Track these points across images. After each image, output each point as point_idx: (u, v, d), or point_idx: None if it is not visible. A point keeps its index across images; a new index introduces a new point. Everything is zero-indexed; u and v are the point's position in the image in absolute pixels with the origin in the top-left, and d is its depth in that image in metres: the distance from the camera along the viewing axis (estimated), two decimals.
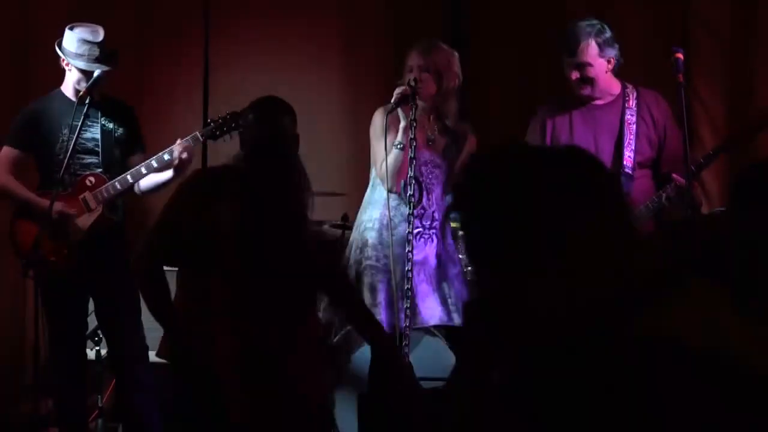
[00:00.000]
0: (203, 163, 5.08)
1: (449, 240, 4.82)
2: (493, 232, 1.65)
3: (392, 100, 4.56)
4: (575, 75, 4.47)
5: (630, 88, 4.54)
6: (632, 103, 4.50)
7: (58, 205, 4.60)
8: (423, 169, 4.71)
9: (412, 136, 4.48)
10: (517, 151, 1.74)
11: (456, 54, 4.76)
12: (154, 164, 4.72)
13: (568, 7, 6.32)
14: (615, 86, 4.55)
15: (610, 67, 4.50)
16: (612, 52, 4.48)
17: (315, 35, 6.54)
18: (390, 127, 4.61)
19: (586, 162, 1.73)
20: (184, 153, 4.66)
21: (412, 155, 4.51)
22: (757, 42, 5.58)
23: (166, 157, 4.70)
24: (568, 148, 1.77)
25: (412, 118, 4.45)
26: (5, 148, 4.83)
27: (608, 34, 4.47)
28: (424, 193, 4.72)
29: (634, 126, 4.46)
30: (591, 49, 4.43)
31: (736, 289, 1.77)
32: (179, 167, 4.67)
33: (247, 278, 3.42)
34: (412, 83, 4.54)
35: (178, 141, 4.70)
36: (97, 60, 4.71)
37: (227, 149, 5.04)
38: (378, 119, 4.73)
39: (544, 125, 4.60)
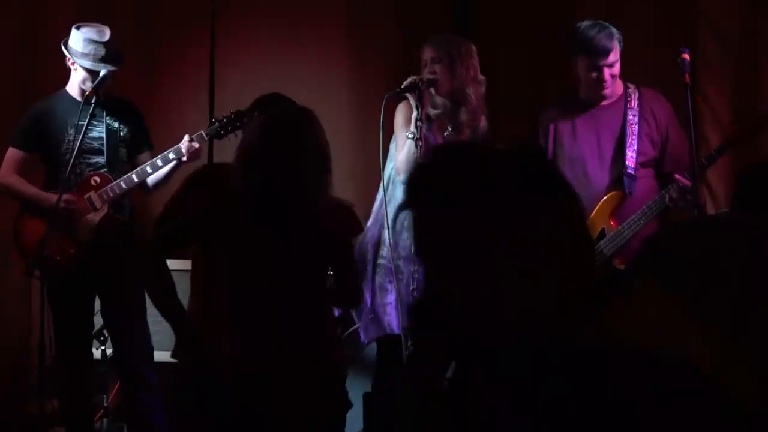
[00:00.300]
0: (209, 161, 5.08)
1: None
2: (439, 229, 1.63)
3: (402, 85, 4.49)
4: (608, 74, 4.46)
5: (632, 89, 4.55)
6: (634, 103, 4.50)
7: (65, 197, 4.60)
8: None
9: (426, 128, 4.46)
10: (469, 149, 1.72)
11: (473, 47, 4.68)
12: (159, 163, 4.73)
13: (577, 5, 6.32)
14: (619, 87, 4.57)
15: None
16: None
17: (322, 34, 6.53)
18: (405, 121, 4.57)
19: (537, 162, 1.71)
20: (195, 143, 4.69)
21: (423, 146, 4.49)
22: (765, 42, 5.58)
23: (172, 155, 4.70)
24: (522, 147, 1.75)
25: (417, 116, 4.41)
26: (11, 149, 4.83)
27: (620, 33, 4.51)
28: None
29: (636, 126, 4.46)
30: (618, 48, 4.46)
31: (697, 291, 1.77)
32: (190, 158, 4.70)
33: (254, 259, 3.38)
34: (426, 79, 4.49)
35: (186, 136, 4.72)
36: (103, 60, 4.72)
37: (233, 148, 5.06)
38: (397, 112, 4.65)
39: (547, 128, 4.60)
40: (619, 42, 4.47)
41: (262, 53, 6.37)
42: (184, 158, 4.69)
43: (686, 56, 4.36)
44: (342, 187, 5.59)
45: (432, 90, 4.57)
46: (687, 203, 4.29)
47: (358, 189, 5.80)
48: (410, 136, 4.52)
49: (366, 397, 4.72)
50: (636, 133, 4.45)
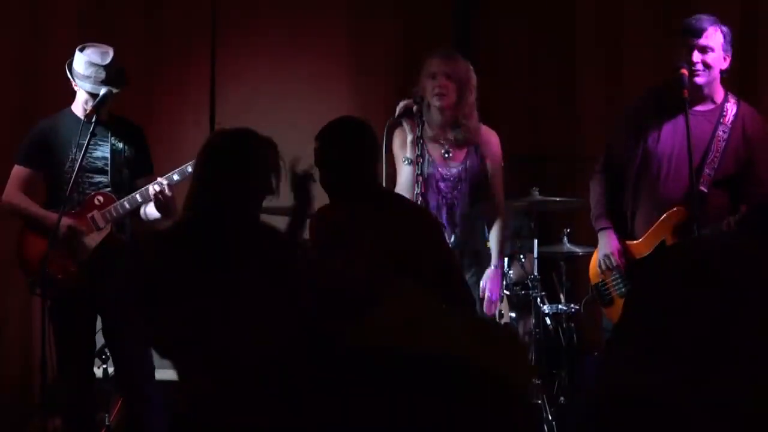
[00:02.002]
0: None
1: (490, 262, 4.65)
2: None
3: (396, 113, 4.55)
4: (697, 57, 4.34)
5: (731, 102, 4.41)
6: (729, 118, 4.37)
7: (66, 221, 4.61)
8: (441, 185, 4.64)
9: (419, 153, 4.47)
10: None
11: (471, 67, 4.68)
12: (164, 182, 4.72)
13: (578, 20, 6.35)
14: (719, 93, 4.43)
15: (725, 65, 4.39)
16: (730, 52, 4.38)
17: (322, 50, 6.55)
18: (402, 143, 4.59)
19: None
20: (167, 191, 4.63)
21: (419, 172, 4.50)
22: (764, 53, 5.59)
23: (176, 177, 4.70)
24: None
25: (419, 135, 4.44)
26: (16, 167, 4.84)
27: (730, 37, 4.39)
28: (444, 210, 4.62)
29: (724, 144, 4.33)
30: (717, 36, 4.35)
31: None
32: (162, 208, 4.65)
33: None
34: (419, 100, 4.53)
35: (158, 179, 4.67)
36: (103, 82, 4.73)
37: None
38: (394, 138, 4.66)
39: (635, 117, 4.48)
40: (723, 34, 4.33)
41: (262, 69, 6.40)
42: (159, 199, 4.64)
43: (684, 72, 4.33)
44: None
45: (428, 106, 4.56)
46: None
47: None
48: (405, 162, 4.57)
49: None
50: (721, 150, 4.33)
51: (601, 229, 4.48)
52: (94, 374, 4.96)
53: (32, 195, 4.86)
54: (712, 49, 4.35)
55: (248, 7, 6.45)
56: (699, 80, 4.36)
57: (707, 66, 4.35)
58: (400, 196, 4.24)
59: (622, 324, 2.07)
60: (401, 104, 4.57)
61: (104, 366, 5.14)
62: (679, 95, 4.30)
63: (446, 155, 4.65)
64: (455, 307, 3.34)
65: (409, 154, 4.56)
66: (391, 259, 3.35)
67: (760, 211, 2.32)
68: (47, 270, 4.57)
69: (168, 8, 6.34)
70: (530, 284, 5.60)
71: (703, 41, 4.34)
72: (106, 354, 5.09)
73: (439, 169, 4.63)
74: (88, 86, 4.73)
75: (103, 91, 4.70)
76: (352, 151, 3.60)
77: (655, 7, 6.04)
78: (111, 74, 4.73)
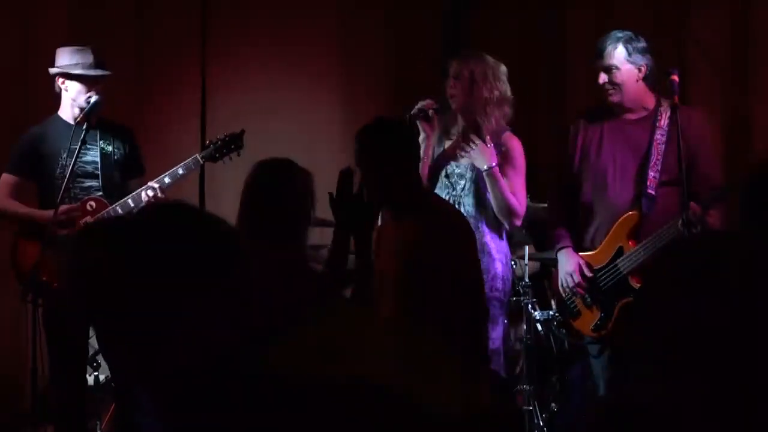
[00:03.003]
0: (200, 185, 5.09)
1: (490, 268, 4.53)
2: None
3: (411, 111, 4.51)
4: (602, 78, 4.42)
5: (665, 106, 4.46)
6: (664, 122, 4.43)
7: (63, 208, 4.61)
8: (451, 180, 4.58)
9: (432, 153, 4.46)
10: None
11: (501, 67, 4.62)
12: (155, 186, 4.72)
13: (568, 26, 6.37)
14: (649, 100, 4.49)
15: (641, 75, 4.43)
16: (642, 60, 4.42)
17: (313, 58, 6.56)
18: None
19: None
20: (159, 195, 4.65)
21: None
22: (754, 61, 5.62)
23: (167, 180, 4.70)
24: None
25: (423, 139, 4.43)
26: (4, 175, 4.84)
27: (641, 43, 4.43)
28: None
29: (663, 146, 4.40)
30: (618, 53, 4.40)
31: None
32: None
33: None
34: (431, 113, 4.50)
35: (150, 183, 4.69)
36: (92, 66, 4.76)
37: (223, 173, 5.08)
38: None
39: (577, 135, 4.55)
40: (632, 50, 4.39)
41: (253, 76, 6.40)
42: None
43: (675, 78, 4.35)
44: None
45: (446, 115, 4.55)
46: (702, 229, 4.27)
47: None
48: None
49: None
50: (662, 152, 4.39)
51: (560, 248, 4.51)
52: (86, 381, 4.95)
53: (23, 202, 4.85)
54: (616, 67, 4.40)
55: (239, 13, 6.45)
56: (613, 99, 4.45)
57: (615, 84, 4.42)
58: (439, 200, 4.16)
59: (632, 333, 2.07)
60: (418, 104, 4.53)
61: (96, 373, 5.13)
62: (670, 101, 4.35)
63: (462, 154, 4.55)
64: (415, 328, 3.29)
65: (421, 153, 4.47)
66: (410, 269, 3.35)
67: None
68: (42, 278, 4.57)
69: (159, 15, 6.34)
70: (522, 290, 5.60)
71: (605, 62, 4.42)
72: (97, 361, 5.08)
73: (452, 166, 4.59)
74: (80, 69, 4.73)
75: (94, 98, 4.70)
76: (386, 153, 3.58)
77: (646, 12, 6.06)
78: (98, 58, 4.76)
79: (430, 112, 4.52)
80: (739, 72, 5.65)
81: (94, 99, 4.71)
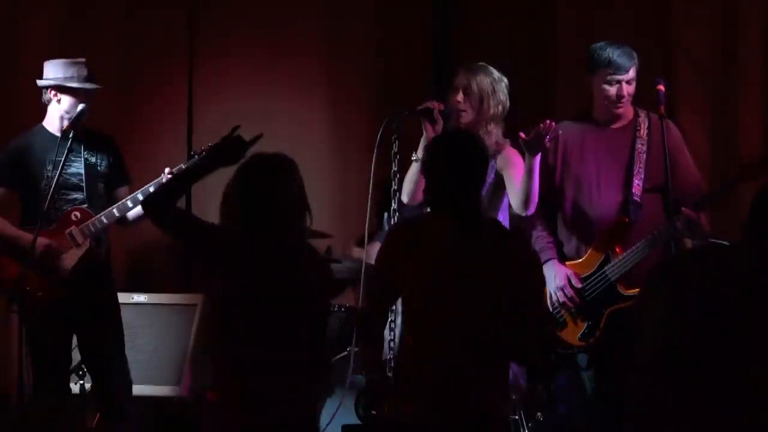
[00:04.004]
0: (187, 194, 5.08)
1: None
2: None
3: (415, 108, 4.44)
4: (623, 91, 4.42)
5: (642, 116, 4.51)
6: (643, 131, 4.47)
7: (43, 240, 4.59)
8: None
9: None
10: None
11: (504, 80, 4.60)
12: (140, 197, 4.71)
13: (559, 26, 6.37)
14: (630, 111, 4.53)
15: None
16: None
17: (301, 68, 6.56)
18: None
19: None
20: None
21: None
22: (738, 70, 5.63)
23: (152, 189, 4.69)
24: None
25: (425, 139, 4.39)
26: None
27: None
28: None
29: (645, 155, 4.43)
30: (635, 66, 4.44)
31: None
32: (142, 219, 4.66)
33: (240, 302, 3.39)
34: (435, 114, 4.40)
35: (167, 169, 4.70)
36: (87, 78, 4.75)
37: (211, 176, 5.06)
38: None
39: (556, 145, 4.53)
40: (636, 65, 4.44)
41: (240, 83, 6.39)
42: None
43: (661, 87, 4.38)
44: (318, 219, 5.63)
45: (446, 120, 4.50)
46: (693, 235, 4.29)
47: (335, 213, 5.82)
48: (414, 159, 4.49)
49: (344, 429, 4.75)
50: (644, 161, 4.42)
51: (546, 261, 4.48)
52: (70, 390, 4.94)
53: (6, 214, 4.83)
54: (634, 80, 4.45)
55: (226, 20, 6.44)
56: (621, 111, 4.48)
57: (630, 96, 4.46)
58: (497, 225, 3.88)
59: (641, 341, 2.06)
60: (426, 103, 4.45)
61: (81, 382, 5.11)
62: (656, 111, 4.36)
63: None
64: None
65: (419, 152, 4.47)
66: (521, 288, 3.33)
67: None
68: (27, 287, 4.56)
69: (146, 21, 6.32)
70: None
71: (630, 75, 4.43)
72: (83, 370, 5.06)
73: None
74: (75, 83, 4.72)
75: (80, 107, 4.70)
76: (452, 166, 3.42)
77: (636, 13, 6.05)
78: (90, 71, 4.76)
79: (435, 113, 4.47)
80: (727, 80, 5.65)
81: (80, 107, 4.70)
